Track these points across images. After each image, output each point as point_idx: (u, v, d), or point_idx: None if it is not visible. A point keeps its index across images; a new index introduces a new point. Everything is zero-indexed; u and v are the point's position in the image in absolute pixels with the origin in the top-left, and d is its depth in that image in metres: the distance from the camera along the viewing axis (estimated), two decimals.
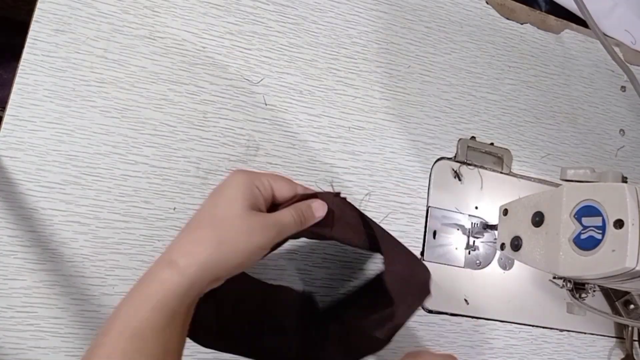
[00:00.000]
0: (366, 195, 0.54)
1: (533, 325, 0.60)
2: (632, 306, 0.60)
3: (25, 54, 0.48)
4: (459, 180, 0.60)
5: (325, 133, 0.56)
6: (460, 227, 0.59)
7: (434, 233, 0.58)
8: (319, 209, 0.38)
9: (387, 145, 0.58)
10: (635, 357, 0.62)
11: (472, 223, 0.59)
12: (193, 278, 0.30)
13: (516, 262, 0.60)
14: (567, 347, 0.61)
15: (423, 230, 0.58)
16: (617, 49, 0.71)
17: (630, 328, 0.63)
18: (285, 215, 0.34)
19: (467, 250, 0.58)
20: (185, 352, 0.48)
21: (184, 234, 0.32)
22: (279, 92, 0.55)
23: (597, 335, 0.63)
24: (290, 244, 0.52)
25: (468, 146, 0.61)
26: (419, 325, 0.55)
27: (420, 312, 0.55)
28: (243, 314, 0.46)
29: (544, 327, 0.61)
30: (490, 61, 0.65)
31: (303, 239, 0.53)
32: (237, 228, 0.31)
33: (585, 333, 0.62)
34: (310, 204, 0.37)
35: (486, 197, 0.60)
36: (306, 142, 0.55)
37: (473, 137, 0.62)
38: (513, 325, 0.59)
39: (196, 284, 0.30)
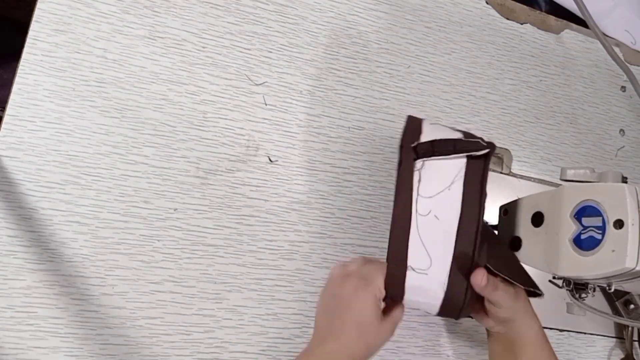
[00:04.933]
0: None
1: None
2: (632, 306, 0.60)
3: (25, 54, 0.48)
4: None
5: (325, 133, 0.56)
6: None
7: None
8: None
9: (387, 145, 0.58)
10: (635, 357, 0.62)
11: None
12: None
13: None
14: (567, 347, 0.61)
15: None
16: (617, 49, 0.71)
17: (630, 328, 0.63)
18: (398, 314, 0.45)
19: None
20: (185, 352, 0.48)
21: (340, 336, 0.41)
22: (279, 92, 0.55)
23: (597, 335, 0.63)
24: (290, 243, 0.53)
25: None
26: (419, 325, 0.55)
27: (420, 312, 0.55)
28: None
29: (544, 327, 0.60)
30: (490, 61, 0.65)
31: (305, 239, 0.53)
32: (375, 334, 0.42)
33: (585, 333, 0.62)
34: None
35: (486, 197, 0.60)
36: (306, 142, 0.55)
37: None
38: None
39: None
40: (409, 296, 0.44)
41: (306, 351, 0.42)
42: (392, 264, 0.42)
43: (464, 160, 0.43)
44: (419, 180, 0.43)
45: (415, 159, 0.44)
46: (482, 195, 0.42)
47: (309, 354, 0.42)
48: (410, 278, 0.42)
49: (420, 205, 0.42)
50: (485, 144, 0.42)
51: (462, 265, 0.42)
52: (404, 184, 0.44)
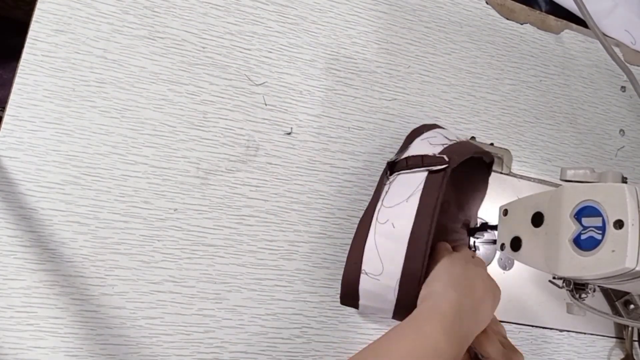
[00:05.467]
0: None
1: (533, 326, 0.60)
2: (632, 306, 0.60)
3: (25, 54, 0.48)
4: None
5: (325, 133, 0.56)
6: None
7: None
8: None
9: (387, 145, 0.58)
10: (635, 357, 0.62)
11: None
12: None
13: (516, 262, 0.60)
14: (567, 347, 0.61)
15: None
16: (617, 49, 0.71)
17: (630, 328, 0.63)
18: None
19: None
20: (185, 352, 0.48)
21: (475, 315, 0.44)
22: (279, 92, 0.55)
23: (597, 335, 0.63)
24: (290, 243, 0.53)
25: None
26: None
27: None
28: None
29: (544, 327, 0.61)
30: (490, 61, 0.65)
31: (305, 239, 0.53)
32: None
33: (585, 333, 0.62)
34: None
35: (486, 197, 0.60)
36: (306, 142, 0.55)
37: (473, 137, 0.62)
38: (513, 325, 0.59)
39: None
40: (364, 301, 0.46)
41: (446, 313, 0.40)
42: (347, 268, 0.46)
43: (425, 174, 0.46)
44: (386, 192, 0.47)
45: (388, 174, 0.49)
46: (435, 208, 0.44)
47: (454, 321, 0.40)
48: (364, 282, 0.45)
49: (381, 214, 0.46)
50: (447, 160, 0.46)
51: (412, 273, 0.43)
52: (374, 197, 0.49)
